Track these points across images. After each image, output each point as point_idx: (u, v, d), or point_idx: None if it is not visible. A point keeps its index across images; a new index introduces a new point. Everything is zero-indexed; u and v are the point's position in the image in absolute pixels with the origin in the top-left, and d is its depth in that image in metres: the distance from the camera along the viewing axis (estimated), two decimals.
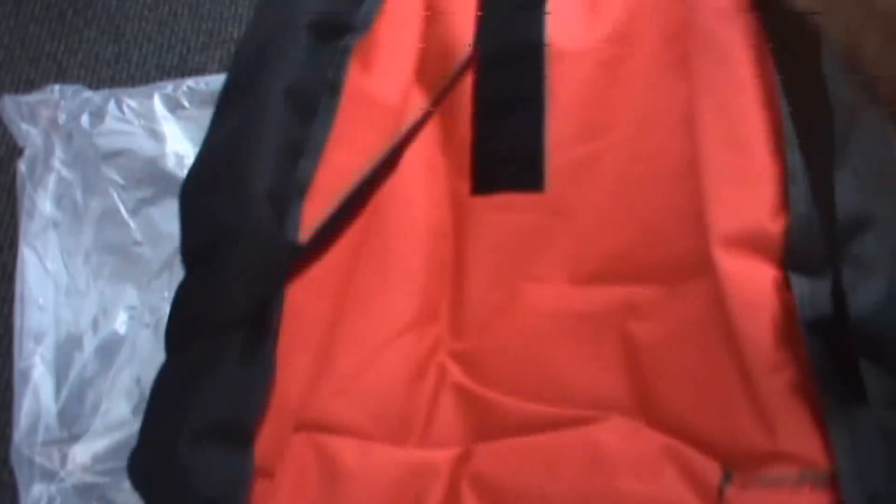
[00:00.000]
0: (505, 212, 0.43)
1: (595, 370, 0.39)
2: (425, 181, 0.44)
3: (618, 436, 0.36)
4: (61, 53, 0.66)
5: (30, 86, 0.64)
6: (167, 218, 0.56)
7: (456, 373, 0.42)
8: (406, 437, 0.40)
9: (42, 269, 0.55)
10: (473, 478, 0.36)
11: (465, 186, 0.44)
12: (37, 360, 0.52)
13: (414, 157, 0.44)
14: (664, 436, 0.36)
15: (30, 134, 0.58)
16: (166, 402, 0.35)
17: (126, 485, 0.49)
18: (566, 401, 0.38)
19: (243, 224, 0.36)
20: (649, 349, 0.38)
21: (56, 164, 0.57)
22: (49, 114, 0.59)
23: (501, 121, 0.44)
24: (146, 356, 0.52)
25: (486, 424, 0.39)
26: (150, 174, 0.57)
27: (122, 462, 0.50)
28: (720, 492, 0.33)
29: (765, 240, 0.35)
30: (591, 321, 0.40)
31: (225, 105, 0.40)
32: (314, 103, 0.39)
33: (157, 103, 0.59)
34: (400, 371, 0.40)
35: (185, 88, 0.59)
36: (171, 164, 0.57)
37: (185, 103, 0.59)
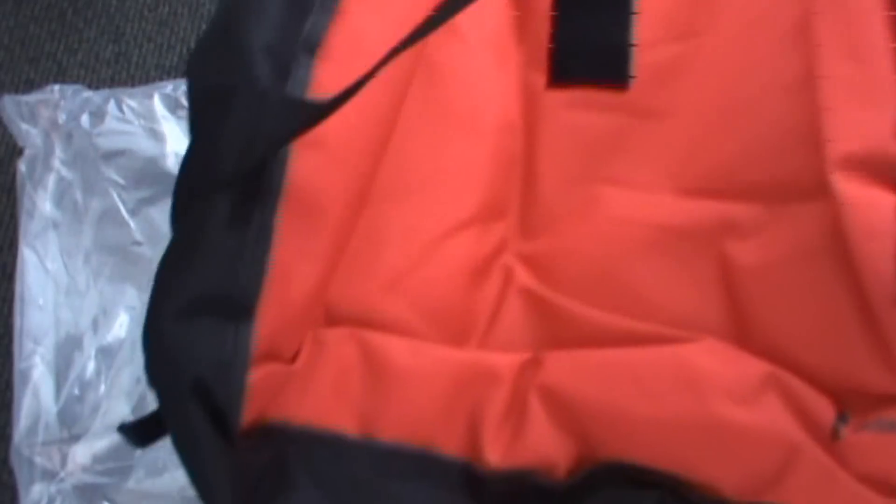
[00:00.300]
0: (584, 109, 0.40)
1: (684, 288, 0.36)
2: (495, 71, 0.40)
3: (713, 357, 0.32)
4: (61, 53, 0.66)
5: (30, 86, 0.64)
6: (167, 218, 0.56)
7: (524, 276, 0.38)
8: (464, 340, 0.36)
9: (42, 269, 0.55)
10: (543, 388, 0.32)
11: (539, 79, 0.40)
12: (37, 360, 0.52)
13: (483, 45, 0.40)
14: (767, 363, 0.32)
15: (30, 134, 0.58)
16: (159, 278, 0.32)
17: (126, 485, 0.49)
18: (649, 317, 0.35)
19: (236, 80, 0.33)
20: (749, 272, 0.35)
21: (56, 164, 0.57)
22: (49, 114, 0.59)
23: (584, 13, 0.40)
24: None
25: (558, 333, 0.36)
26: (150, 174, 0.57)
27: (122, 462, 0.50)
28: (835, 432, 0.31)
29: (888, 162, 0.32)
30: (682, 235, 0.37)
31: None
32: None
33: (157, 103, 0.59)
34: (459, 269, 0.37)
35: (185, 88, 0.59)
36: (171, 164, 0.57)
37: (185, 103, 0.59)
